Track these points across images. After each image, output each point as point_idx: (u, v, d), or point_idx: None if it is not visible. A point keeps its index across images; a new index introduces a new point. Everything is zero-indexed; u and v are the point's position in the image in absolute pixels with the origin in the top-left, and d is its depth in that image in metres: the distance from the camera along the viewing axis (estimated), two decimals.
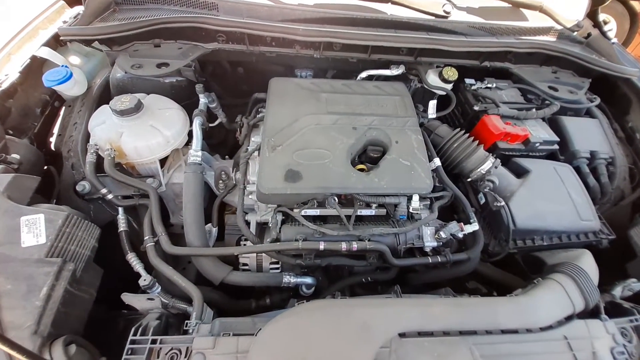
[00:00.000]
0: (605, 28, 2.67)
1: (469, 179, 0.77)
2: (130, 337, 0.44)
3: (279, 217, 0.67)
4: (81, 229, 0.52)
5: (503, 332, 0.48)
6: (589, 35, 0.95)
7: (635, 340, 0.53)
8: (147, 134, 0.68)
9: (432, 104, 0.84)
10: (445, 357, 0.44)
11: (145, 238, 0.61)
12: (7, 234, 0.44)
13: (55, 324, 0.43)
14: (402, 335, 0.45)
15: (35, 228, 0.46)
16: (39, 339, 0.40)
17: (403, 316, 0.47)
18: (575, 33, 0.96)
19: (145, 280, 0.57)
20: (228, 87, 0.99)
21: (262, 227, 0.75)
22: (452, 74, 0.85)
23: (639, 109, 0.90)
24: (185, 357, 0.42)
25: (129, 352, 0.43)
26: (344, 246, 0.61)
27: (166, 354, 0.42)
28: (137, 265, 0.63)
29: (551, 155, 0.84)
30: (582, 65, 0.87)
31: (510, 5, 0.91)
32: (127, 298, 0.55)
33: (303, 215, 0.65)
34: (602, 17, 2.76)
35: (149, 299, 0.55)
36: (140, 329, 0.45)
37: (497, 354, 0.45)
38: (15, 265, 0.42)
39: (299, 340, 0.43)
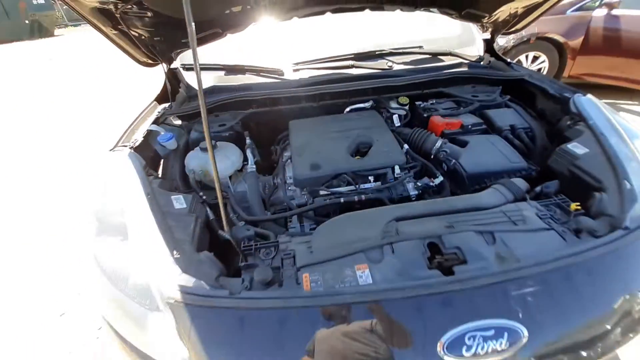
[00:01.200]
0: (538, 62, 3.30)
1: (432, 156, 1.13)
2: (242, 246, 0.75)
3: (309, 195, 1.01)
4: (199, 204, 0.88)
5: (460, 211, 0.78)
6: (489, 62, 1.43)
7: (558, 210, 0.80)
8: (220, 161, 1.08)
9: (395, 117, 1.27)
10: (424, 223, 0.74)
11: (231, 215, 0.94)
12: (166, 203, 0.79)
13: (198, 242, 0.75)
14: (398, 219, 0.75)
15: (179, 202, 0.82)
16: (192, 246, 0.71)
17: (398, 210, 0.79)
18: (482, 62, 1.45)
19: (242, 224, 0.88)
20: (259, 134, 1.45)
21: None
22: (403, 100, 1.31)
23: (541, 95, 1.29)
24: (274, 250, 0.73)
25: (245, 251, 0.73)
26: (356, 198, 0.94)
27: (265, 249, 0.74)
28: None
29: (483, 133, 1.21)
30: (487, 79, 1.32)
31: (430, 55, 1.43)
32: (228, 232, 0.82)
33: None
34: (532, 54, 3.45)
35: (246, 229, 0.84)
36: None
37: (458, 221, 0.74)
38: (174, 215, 0.76)
39: (336, 230, 0.74)
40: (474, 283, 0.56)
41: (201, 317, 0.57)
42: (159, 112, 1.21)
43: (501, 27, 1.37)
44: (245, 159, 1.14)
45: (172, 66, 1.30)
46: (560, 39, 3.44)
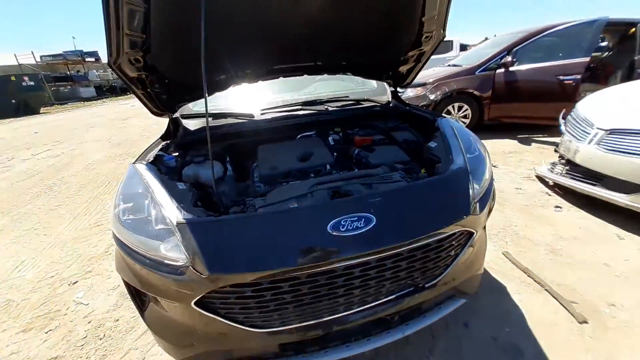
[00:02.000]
0: (462, 110, 4.25)
1: (354, 159, 1.65)
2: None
3: None
4: (193, 189, 1.31)
5: None
6: (390, 103, 2.09)
7: (414, 174, 1.30)
8: (208, 169, 1.55)
9: (330, 139, 1.82)
10: (334, 183, 1.21)
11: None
12: (173, 186, 1.23)
13: (193, 202, 1.17)
14: (319, 183, 1.23)
15: (181, 185, 1.25)
16: (191, 203, 1.13)
17: (320, 179, 1.26)
18: (391, 104, 2.11)
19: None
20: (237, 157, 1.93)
21: None
22: (337, 129, 1.88)
23: (422, 120, 1.89)
24: (243, 204, 1.16)
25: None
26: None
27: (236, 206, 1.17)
28: None
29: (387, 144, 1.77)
30: (390, 112, 1.95)
31: (354, 100, 2.08)
32: None
33: None
34: (457, 104, 4.38)
35: None
36: None
37: (355, 180, 1.22)
38: (179, 191, 1.19)
39: (282, 191, 1.20)
40: (350, 199, 1.03)
41: (197, 231, 0.97)
42: (163, 145, 1.71)
43: (397, 83, 2.07)
44: (226, 170, 1.62)
45: (174, 115, 1.84)
46: (476, 92, 4.45)
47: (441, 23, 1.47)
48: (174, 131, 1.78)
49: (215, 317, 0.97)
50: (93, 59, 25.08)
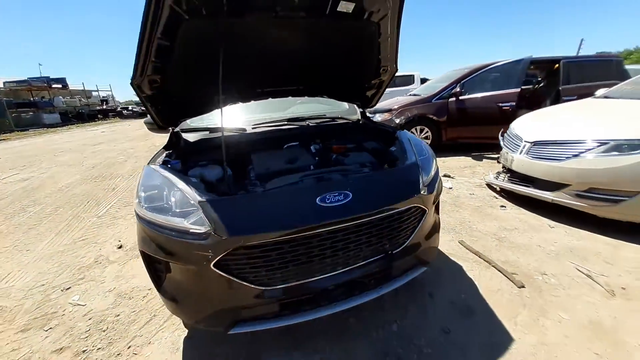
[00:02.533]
0: (424, 132, 4.86)
1: (333, 161, 2.00)
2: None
3: None
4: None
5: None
6: (361, 121, 2.52)
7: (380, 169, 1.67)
8: (212, 170, 1.80)
9: (312, 148, 2.17)
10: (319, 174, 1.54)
11: None
12: (185, 178, 1.48)
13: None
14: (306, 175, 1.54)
15: (193, 177, 1.50)
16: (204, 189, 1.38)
17: (307, 172, 1.58)
18: (360, 121, 2.53)
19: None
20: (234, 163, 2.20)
21: None
22: (318, 140, 2.24)
23: (386, 133, 2.32)
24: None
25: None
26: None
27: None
28: None
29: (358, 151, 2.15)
30: (360, 129, 2.36)
31: (330, 118, 2.48)
32: None
33: None
34: (419, 127, 5.01)
35: None
36: None
37: (334, 172, 1.56)
38: (191, 181, 1.44)
39: (279, 180, 1.50)
40: (332, 182, 1.36)
41: (215, 206, 1.22)
42: (167, 153, 1.95)
43: (365, 105, 2.51)
44: (226, 172, 1.88)
45: (176, 129, 2.11)
46: (434, 117, 5.12)
47: (393, 59, 1.93)
48: (175, 142, 2.03)
49: (229, 276, 1.20)
50: (60, 86, 24.37)
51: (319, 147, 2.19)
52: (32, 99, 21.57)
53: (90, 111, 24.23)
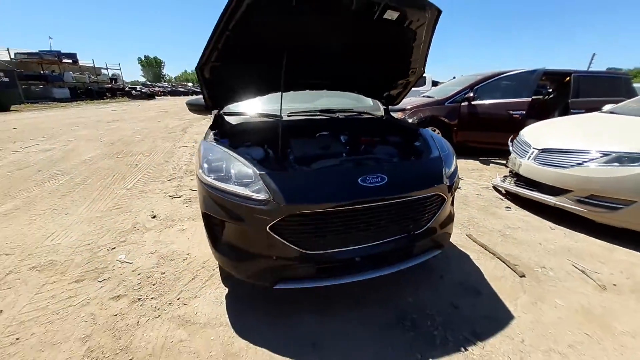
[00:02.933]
0: (435, 133, 4.80)
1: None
2: None
3: None
4: None
5: None
6: (384, 117, 2.72)
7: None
8: (257, 149, 2.01)
9: (341, 137, 2.37)
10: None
11: None
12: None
13: None
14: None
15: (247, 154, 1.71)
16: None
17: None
18: (383, 117, 2.73)
19: None
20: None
21: None
22: (346, 131, 2.44)
23: (409, 129, 2.54)
24: None
25: None
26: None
27: None
28: None
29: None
30: (386, 122, 2.56)
31: (357, 112, 2.67)
32: None
33: None
34: (431, 128, 5.21)
35: None
36: None
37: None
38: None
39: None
40: (370, 166, 1.57)
41: (274, 178, 1.42)
42: (213, 132, 2.15)
43: (389, 103, 2.70)
44: (268, 153, 2.08)
45: (221, 112, 2.31)
46: (446, 120, 5.31)
47: (422, 62, 2.12)
48: (220, 123, 2.24)
49: (279, 238, 1.42)
50: (70, 61, 24.42)
51: (348, 138, 2.39)
52: (42, 72, 21.64)
53: (99, 88, 24.32)
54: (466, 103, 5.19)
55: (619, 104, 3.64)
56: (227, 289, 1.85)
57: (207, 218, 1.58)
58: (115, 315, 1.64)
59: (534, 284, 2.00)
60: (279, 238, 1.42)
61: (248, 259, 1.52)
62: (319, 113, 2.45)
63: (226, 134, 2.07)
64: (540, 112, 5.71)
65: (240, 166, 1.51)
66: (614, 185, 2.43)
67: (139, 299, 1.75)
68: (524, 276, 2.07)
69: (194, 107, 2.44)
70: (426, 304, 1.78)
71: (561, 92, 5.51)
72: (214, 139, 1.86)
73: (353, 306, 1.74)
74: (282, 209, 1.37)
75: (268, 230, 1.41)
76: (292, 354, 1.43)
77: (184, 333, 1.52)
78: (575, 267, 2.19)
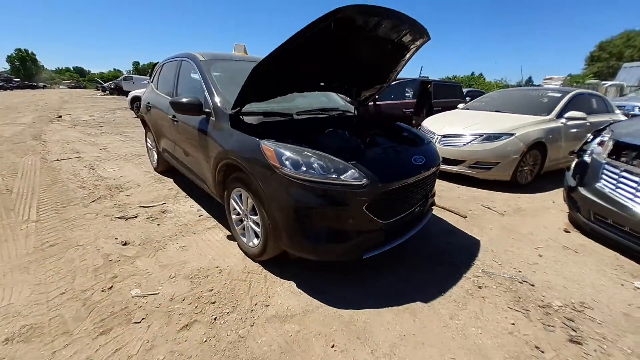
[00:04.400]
0: None
1: None
2: None
3: None
4: None
5: None
6: (355, 114, 3.26)
7: None
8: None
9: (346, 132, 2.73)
10: None
11: None
12: None
13: None
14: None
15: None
16: None
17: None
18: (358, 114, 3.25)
19: None
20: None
21: None
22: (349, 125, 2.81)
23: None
24: None
25: None
26: None
27: None
28: None
29: None
30: (371, 119, 3.10)
31: (342, 111, 3.08)
32: None
33: None
34: None
35: None
36: None
37: None
38: None
39: None
40: (412, 149, 2.07)
41: (365, 164, 1.67)
42: (256, 132, 1.94)
43: (362, 103, 3.22)
44: None
45: (242, 110, 2.13)
46: None
47: (398, 73, 2.74)
48: (243, 123, 2.14)
49: (370, 215, 1.71)
50: None
51: (366, 131, 2.69)
52: None
53: None
54: (372, 103, 6.39)
55: (469, 103, 5.55)
56: (291, 281, 1.92)
57: (297, 212, 1.65)
58: (205, 341, 1.46)
59: (473, 220, 3.03)
60: (369, 214, 1.70)
61: (342, 240, 1.71)
62: (319, 112, 2.68)
63: (273, 133, 1.91)
64: (416, 109, 7.69)
65: (323, 159, 1.67)
66: (487, 154, 3.87)
67: (215, 319, 1.60)
68: (465, 217, 3.09)
69: (184, 107, 2.20)
70: (429, 242, 2.45)
71: (426, 96, 7.62)
72: (269, 139, 1.80)
73: (398, 262, 2.20)
74: (377, 189, 1.66)
75: (364, 209, 1.67)
76: (387, 302, 1.76)
77: (294, 325, 1.57)
78: (483, 206, 3.42)
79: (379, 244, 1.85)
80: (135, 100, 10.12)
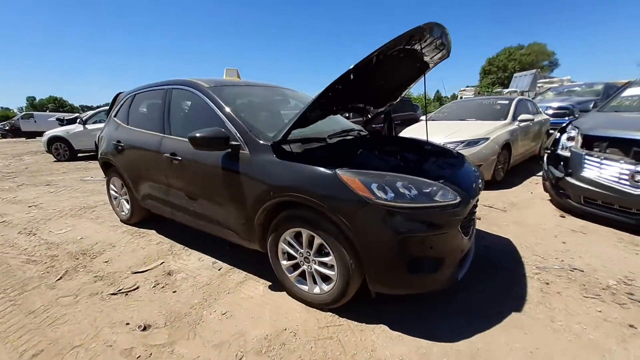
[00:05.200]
0: None
1: None
2: None
3: None
4: None
5: None
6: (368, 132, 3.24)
7: None
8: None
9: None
10: None
11: None
12: None
13: None
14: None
15: None
16: None
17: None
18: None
19: None
20: None
21: None
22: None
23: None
24: None
25: None
26: None
27: None
28: None
29: None
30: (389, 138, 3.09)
31: (359, 130, 3.01)
32: None
33: None
34: None
35: None
36: None
37: None
38: None
39: None
40: (468, 171, 2.09)
41: (450, 182, 1.59)
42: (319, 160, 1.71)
43: (369, 122, 3.20)
44: None
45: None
46: None
47: (406, 92, 2.82)
48: (292, 153, 1.90)
49: (462, 233, 1.64)
50: None
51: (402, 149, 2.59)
52: None
53: None
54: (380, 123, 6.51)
55: (432, 114, 6.07)
56: (380, 325, 1.70)
57: (401, 244, 1.47)
58: None
59: (486, 220, 3.21)
60: (461, 232, 1.63)
61: (441, 265, 1.59)
62: (345, 133, 2.55)
63: (334, 160, 1.73)
64: (383, 124, 8.10)
65: (411, 182, 1.55)
66: (470, 159, 4.23)
67: None
68: (479, 218, 3.26)
69: (207, 142, 1.87)
70: (477, 253, 2.49)
71: (388, 110, 8.14)
72: (333, 167, 1.60)
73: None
74: (469, 205, 1.61)
75: (459, 228, 1.59)
76: (486, 323, 1.68)
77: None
78: (484, 206, 3.68)
79: (462, 262, 1.78)
80: (55, 140, 8.44)
